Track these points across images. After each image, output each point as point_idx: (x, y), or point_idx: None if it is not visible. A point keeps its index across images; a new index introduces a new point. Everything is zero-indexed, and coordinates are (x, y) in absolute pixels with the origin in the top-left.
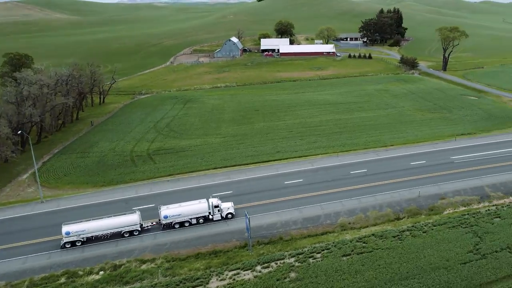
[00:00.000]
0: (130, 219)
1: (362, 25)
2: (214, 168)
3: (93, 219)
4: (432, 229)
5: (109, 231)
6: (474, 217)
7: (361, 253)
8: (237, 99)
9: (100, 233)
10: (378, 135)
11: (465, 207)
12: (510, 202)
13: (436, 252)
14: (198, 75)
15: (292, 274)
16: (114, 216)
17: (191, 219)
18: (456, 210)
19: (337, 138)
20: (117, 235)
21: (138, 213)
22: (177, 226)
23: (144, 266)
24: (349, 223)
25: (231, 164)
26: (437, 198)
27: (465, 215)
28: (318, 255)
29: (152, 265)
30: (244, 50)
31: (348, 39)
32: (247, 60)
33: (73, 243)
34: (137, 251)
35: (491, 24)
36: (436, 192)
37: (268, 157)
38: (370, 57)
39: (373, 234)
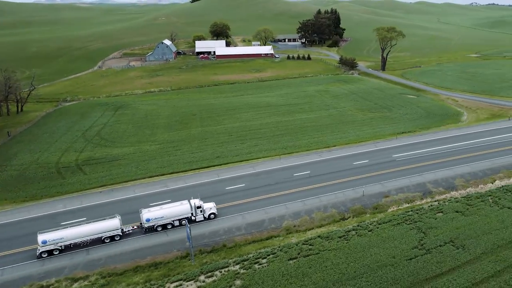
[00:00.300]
0: (111, 224)
1: (300, 26)
2: (150, 177)
3: (70, 226)
4: (378, 227)
5: (89, 238)
6: (417, 213)
7: (308, 255)
8: (173, 104)
9: (79, 240)
10: (320, 136)
11: (408, 203)
12: (451, 197)
13: (382, 250)
14: (129, 80)
15: (238, 282)
16: (93, 221)
17: (173, 221)
18: (400, 207)
19: (279, 140)
20: (97, 241)
21: (118, 217)
22: (159, 229)
23: (76, 285)
24: (294, 226)
25: (169, 172)
26: (381, 197)
27: (409, 211)
28: (264, 261)
29: (86, 282)
30: (178, 53)
31: (286, 40)
32: (181, 63)
33: (50, 252)
34: (67, 269)
35: (426, 24)
36: (380, 191)
37: (207, 163)
38: (309, 58)
39: (319, 236)
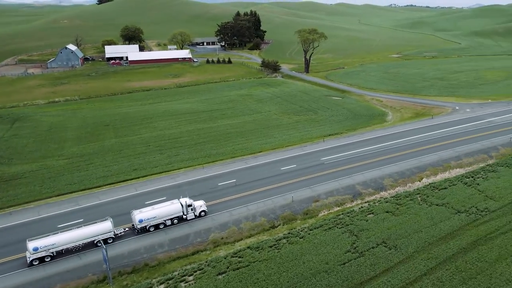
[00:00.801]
0: (103, 227)
1: (219, 28)
2: (58, 195)
3: (61, 231)
4: (309, 234)
5: (81, 242)
6: (348, 216)
7: (238, 268)
8: (82, 114)
9: (72, 245)
10: (245, 142)
11: (339, 207)
12: (381, 197)
13: (315, 257)
14: (28, 89)
15: None
16: (84, 225)
17: (165, 220)
18: (330, 211)
19: (201, 148)
20: (90, 245)
21: (110, 220)
22: (152, 229)
23: None
24: (222, 238)
25: (80, 189)
26: (311, 201)
27: (340, 215)
28: (191, 278)
29: None
30: (86, 59)
31: (205, 43)
32: (90, 69)
33: (41, 259)
34: None
35: (348, 26)
36: (309, 195)
37: (124, 176)
38: (230, 61)
39: (248, 247)
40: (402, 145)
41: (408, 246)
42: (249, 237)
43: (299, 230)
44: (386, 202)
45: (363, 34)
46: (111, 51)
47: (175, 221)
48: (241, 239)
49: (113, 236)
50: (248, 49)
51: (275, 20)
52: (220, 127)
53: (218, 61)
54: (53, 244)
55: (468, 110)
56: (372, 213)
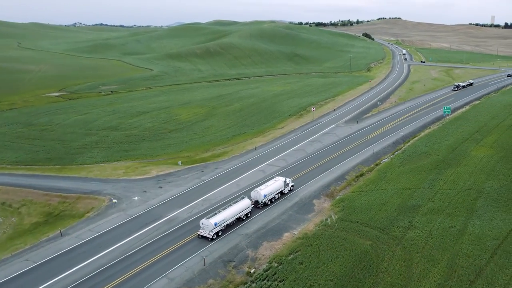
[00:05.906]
0: (246, 203)
1: None
2: None
3: (222, 209)
4: None
5: (235, 217)
6: None
7: None
8: None
9: (230, 220)
10: None
11: None
12: None
13: None
14: None
15: None
16: (233, 204)
17: (275, 195)
18: None
19: None
20: (238, 220)
21: (246, 197)
22: (268, 202)
23: None
24: None
25: None
26: None
27: None
28: None
29: None
30: None
31: None
32: None
33: (217, 234)
34: None
35: (3, 52)
36: None
37: None
38: None
39: None
40: None
41: None
42: None
43: None
44: None
45: (19, 64)
46: None
47: (278, 195)
48: None
49: (250, 211)
50: None
51: None
52: None
53: None
54: (223, 219)
55: (136, 198)
56: None
